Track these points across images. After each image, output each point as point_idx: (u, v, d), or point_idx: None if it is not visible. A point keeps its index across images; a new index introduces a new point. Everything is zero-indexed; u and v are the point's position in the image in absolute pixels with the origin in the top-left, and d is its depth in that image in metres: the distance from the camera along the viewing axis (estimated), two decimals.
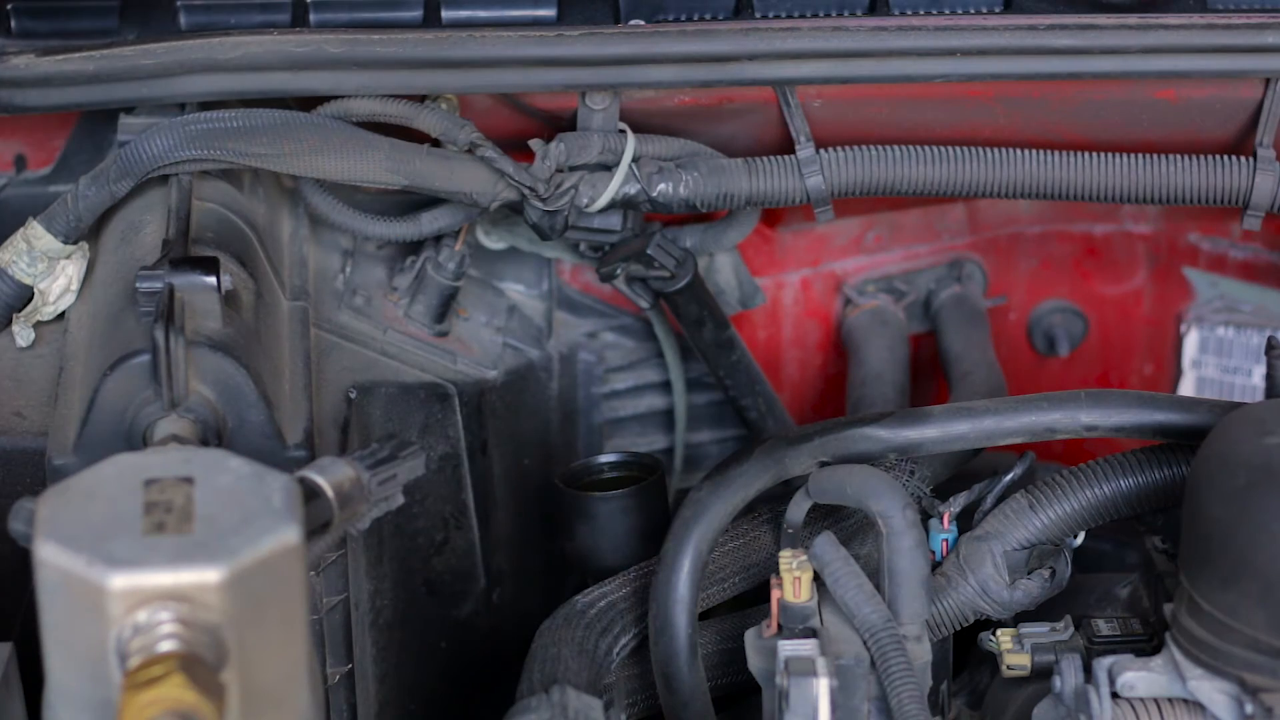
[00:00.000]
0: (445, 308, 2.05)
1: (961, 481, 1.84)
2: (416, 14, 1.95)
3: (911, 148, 1.95)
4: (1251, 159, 1.94)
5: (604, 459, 1.99)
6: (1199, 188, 1.94)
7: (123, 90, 1.74)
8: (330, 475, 1.51)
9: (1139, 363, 2.39)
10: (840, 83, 1.93)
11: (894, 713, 1.57)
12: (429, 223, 2.00)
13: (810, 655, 1.60)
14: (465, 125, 1.92)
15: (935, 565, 1.78)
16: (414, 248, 2.07)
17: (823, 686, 1.57)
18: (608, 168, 1.95)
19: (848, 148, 1.96)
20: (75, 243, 1.85)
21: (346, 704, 1.81)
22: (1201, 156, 1.95)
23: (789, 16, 1.95)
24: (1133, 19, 1.90)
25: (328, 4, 1.94)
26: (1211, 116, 1.98)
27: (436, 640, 1.98)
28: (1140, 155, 1.95)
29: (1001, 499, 1.79)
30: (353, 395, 1.87)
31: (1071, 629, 1.72)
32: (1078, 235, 2.33)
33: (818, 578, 1.66)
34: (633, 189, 1.95)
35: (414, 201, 2.00)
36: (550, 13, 1.95)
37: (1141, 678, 1.60)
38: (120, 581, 1.30)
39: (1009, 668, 1.72)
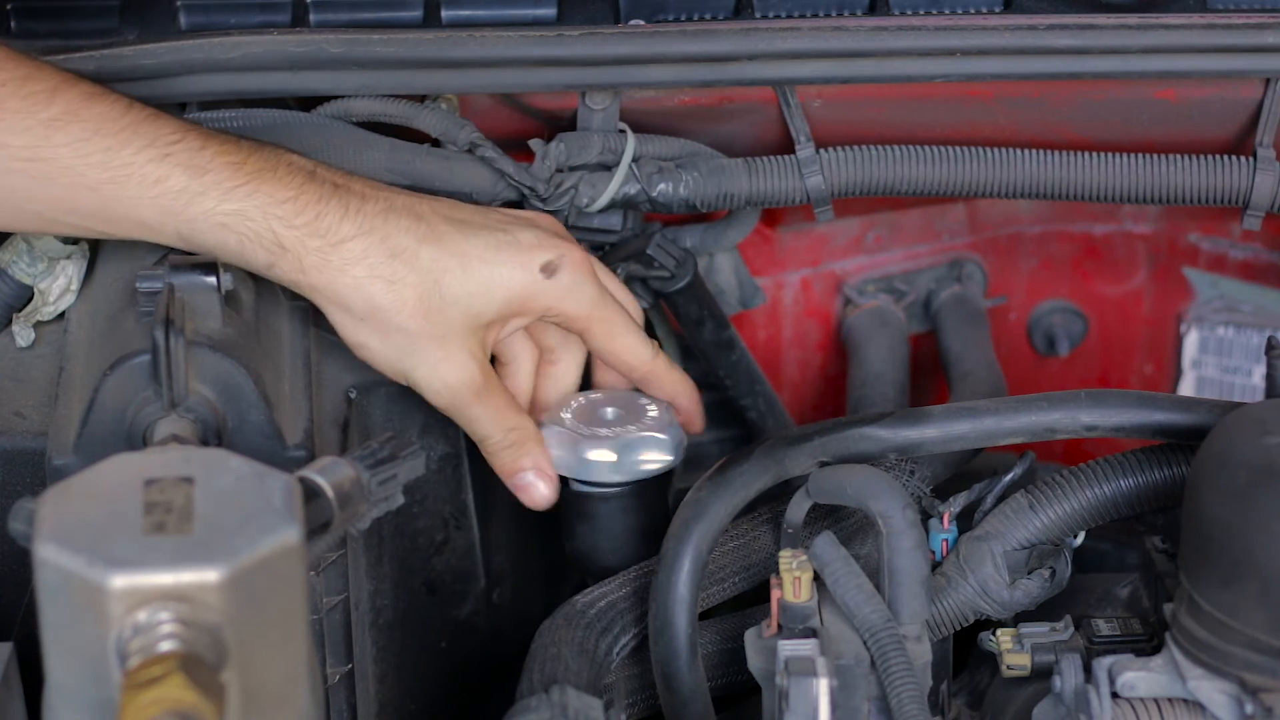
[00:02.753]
0: None
1: (961, 481, 1.83)
2: (416, 14, 1.95)
3: (911, 148, 1.95)
4: (1251, 159, 1.94)
5: None
6: (1199, 188, 1.94)
7: (122, 90, 1.73)
8: (330, 475, 1.51)
9: (1139, 363, 2.38)
10: (840, 83, 1.93)
11: (894, 713, 1.57)
12: None
13: (810, 655, 1.60)
14: (465, 125, 1.92)
15: (935, 565, 1.78)
16: None
17: (823, 686, 1.57)
18: (608, 168, 1.95)
19: (848, 148, 1.96)
20: (75, 243, 1.85)
21: (346, 704, 1.80)
22: (1201, 156, 1.95)
23: (789, 16, 1.95)
24: (1133, 19, 1.90)
25: (328, 4, 1.94)
26: (1211, 116, 1.98)
27: (436, 640, 1.98)
28: (1140, 155, 1.95)
29: (1001, 499, 1.79)
30: (353, 395, 1.87)
31: (1071, 629, 1.72)
32: (1078, 235, 2.33)
33: (818, 578, 1.66)
34: (633, 189, 1.95)
35: None
36: (550, 13, 1.95)
37: (1141, 678, 1.59)
38: (120, 581, 1.30)
39: (1009, 668, 1.71)
